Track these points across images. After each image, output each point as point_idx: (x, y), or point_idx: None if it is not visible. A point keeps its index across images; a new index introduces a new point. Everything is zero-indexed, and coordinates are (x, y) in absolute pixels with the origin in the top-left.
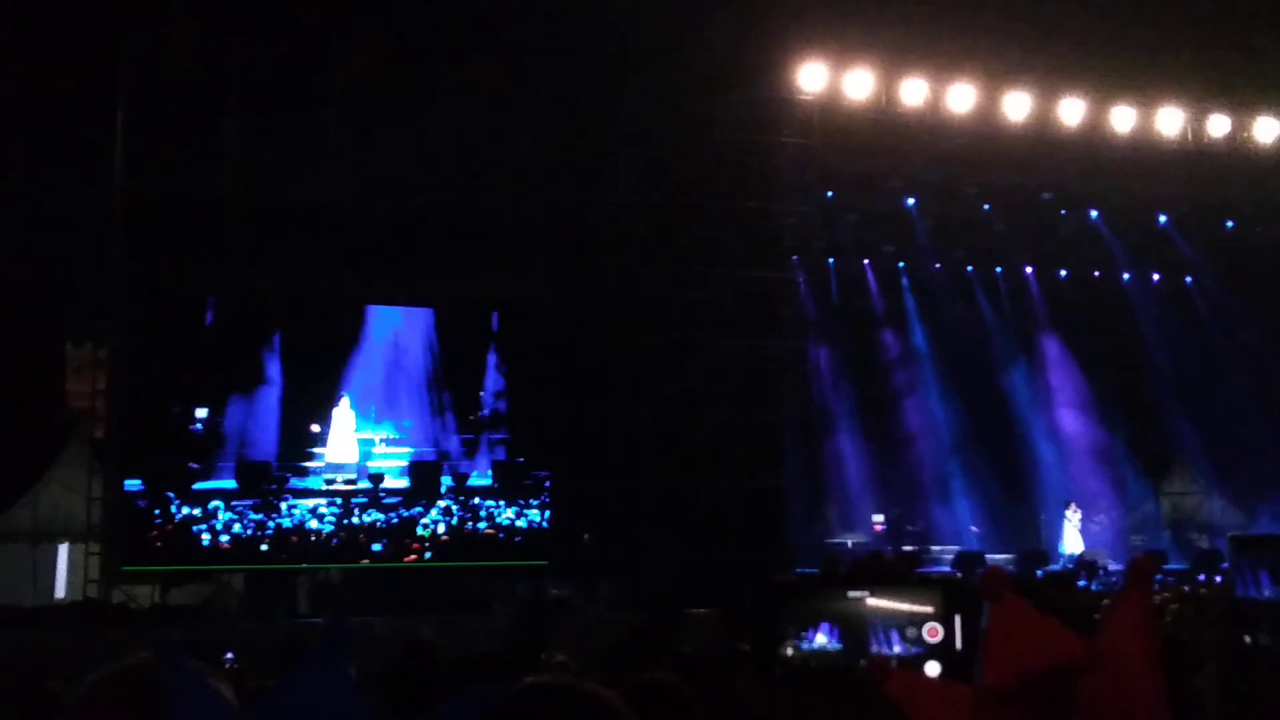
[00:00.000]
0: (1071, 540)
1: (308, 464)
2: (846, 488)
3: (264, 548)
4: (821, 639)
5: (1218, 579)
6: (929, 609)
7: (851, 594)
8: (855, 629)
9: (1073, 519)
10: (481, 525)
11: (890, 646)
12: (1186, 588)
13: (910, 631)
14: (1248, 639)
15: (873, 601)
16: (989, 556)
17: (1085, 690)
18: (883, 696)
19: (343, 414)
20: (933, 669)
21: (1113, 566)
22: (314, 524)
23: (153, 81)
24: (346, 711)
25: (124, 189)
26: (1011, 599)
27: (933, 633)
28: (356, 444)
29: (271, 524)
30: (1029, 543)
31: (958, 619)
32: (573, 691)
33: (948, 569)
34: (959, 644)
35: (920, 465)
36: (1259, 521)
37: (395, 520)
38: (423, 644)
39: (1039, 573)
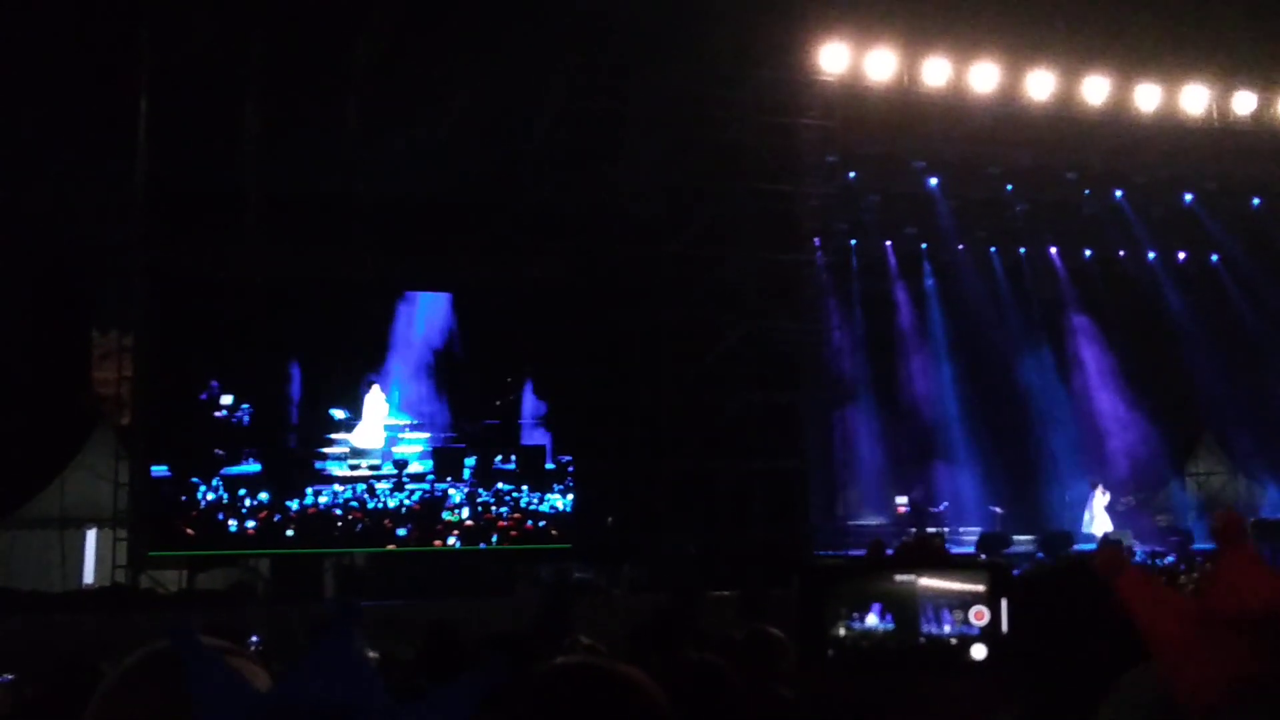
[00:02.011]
0: (1100, 521)
1: (332, 450)
2: (868, 469)
3: (290, 533)
4: (872, 619)
5: None
6: (978, 589)
7: (899, 578)
8: (907, 609)
9: (1100, 499)
10: (505, 510)
11: (941, 626)
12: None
13: (957, 614)
14: None
15: (923, 582)
16: (1014, 538)
17: None
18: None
19: (374, 400)
20: (979, 652)
21: (1137, 548)
22: (339, 509)
23: (175, 69)
24: (361, 690)
25: (147, 176)
26: (1245, 544)
27: (979, 616)
28: (384, 430)
29: (297, 509)
30: (1052, 524)
31: (1004, 602)
32: (606, 672)
33: (971, 550)
34: (1004, 627)
35: (943, 447)
36: None
37: (420, 505)
38: (444, 624)
39: (1063, 553)
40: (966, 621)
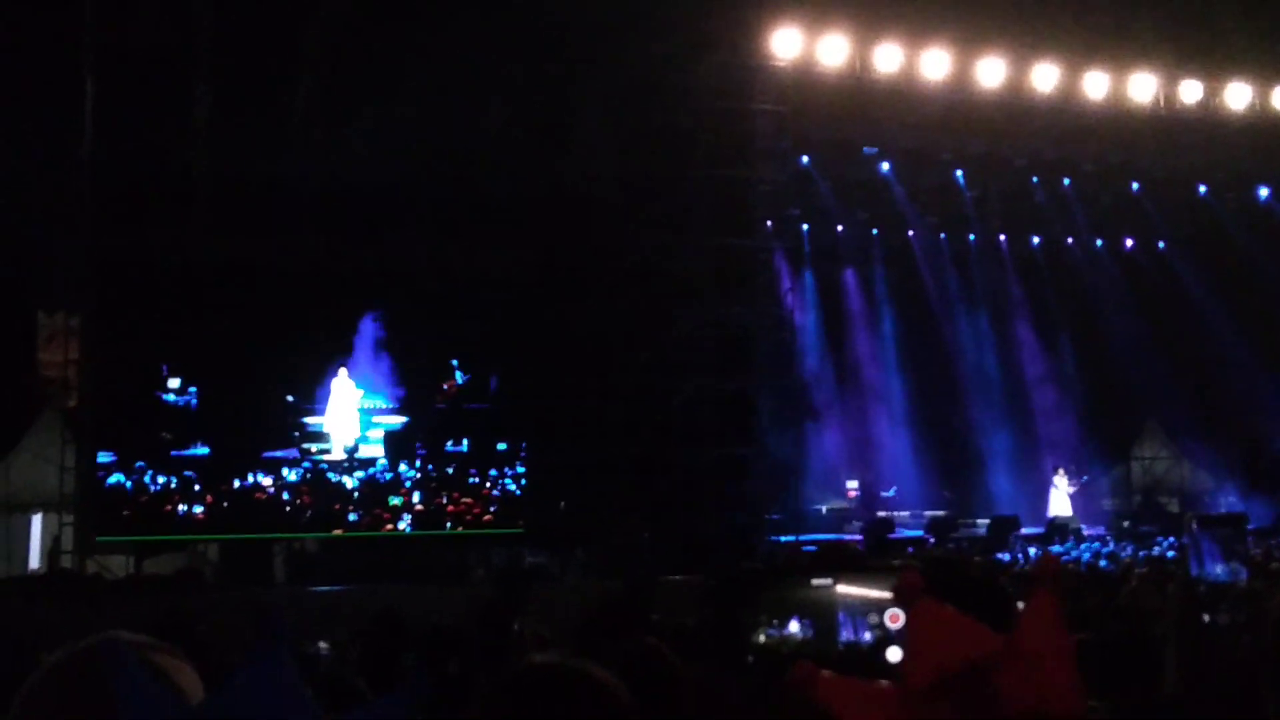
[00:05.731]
0: (1059, 505)
1: (282, 433)
2: (821, 455)
3: (238, 518)
4: (794, 627)
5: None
6: (891, 595)
7: (816, 582)
8: (825, 617)
9: (1060, 484)
10: (457, 494)
11: (859, 633)
12: (1155, 550)
13: (873, 618)
14: (1206, 617)
15: (841, 589)
16: (962, 522)
17: (1004, 684)
18: (813, 701)
19: (342, 385)
20: (894, 654)
21: (1086, 530)
22: (289, 494)
23: (123, 48)
24: (290, 707)
25: (94, 156)
26: (925, 602)
27: (894, 619)
28: (358, 415)
29: (246, 493)
30: (1000, 508)
31: None
32: (579, 674)
33: (920, 533)
34: None
35: (894, 431)
36: (1225, 488)
37: (371, 489)
38: (389, 612)
39: (1011, 537)
40: (880, 625)
